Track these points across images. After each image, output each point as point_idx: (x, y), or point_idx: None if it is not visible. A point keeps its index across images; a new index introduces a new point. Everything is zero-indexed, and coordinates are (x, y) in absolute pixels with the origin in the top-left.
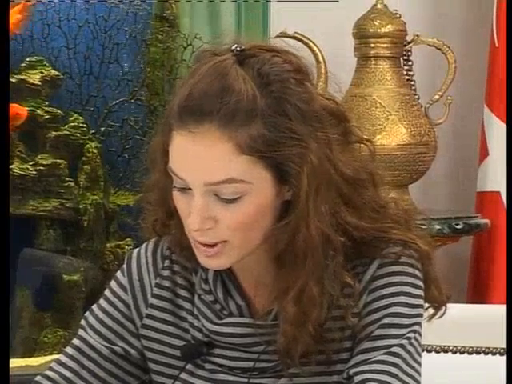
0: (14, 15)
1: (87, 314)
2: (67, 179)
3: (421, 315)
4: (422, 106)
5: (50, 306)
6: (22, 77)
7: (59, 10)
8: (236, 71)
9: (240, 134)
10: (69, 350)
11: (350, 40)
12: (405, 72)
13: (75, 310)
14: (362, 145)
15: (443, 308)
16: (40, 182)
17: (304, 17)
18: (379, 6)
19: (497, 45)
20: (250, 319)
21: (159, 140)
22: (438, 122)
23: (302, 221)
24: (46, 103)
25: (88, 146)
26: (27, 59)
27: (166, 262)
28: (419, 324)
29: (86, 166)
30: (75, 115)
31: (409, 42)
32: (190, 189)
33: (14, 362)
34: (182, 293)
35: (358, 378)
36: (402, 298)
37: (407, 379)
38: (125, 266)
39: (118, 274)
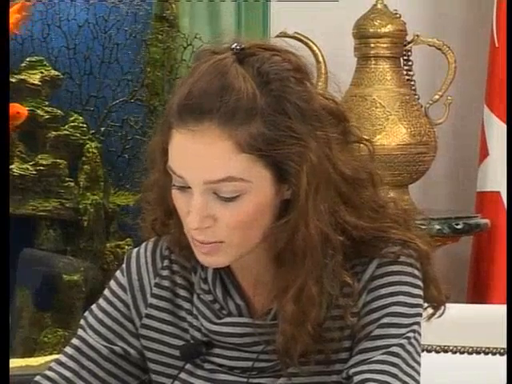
0: (13, 15)
1: (86, 313)
2: (67, 179)
3: (420, 315)
4: (422, 106)
5: (50, 306)
6: (22, 77)
7: (59, 10)
8: (236, 70)
9: (240, 133)
10: (68, 349)
11: (350, 40)
12: (405, 72)
13: (75, 310)
14: (361, 145)
15: (442, 308)
16: (40, 182)
17: (304, 17)
18: (379, 5)
19: (497, 45)
20: (249, 319)
21: (158, 139)
22: (437, 122)
23: (302, 219)
24: (46, 103)
25: (88, 145)
26: (27, 59)
27: (166, 262)
28: (418, 324)
29: (86, 166)
30: (75, 115)
31: (409, 42)
32: (189, 187)
33: (14, 362)
34: (182, 292)
35: (357, 378)
36: (401, 298)
37: (407, 379)
38: (124, 265)
39: (118, 273)
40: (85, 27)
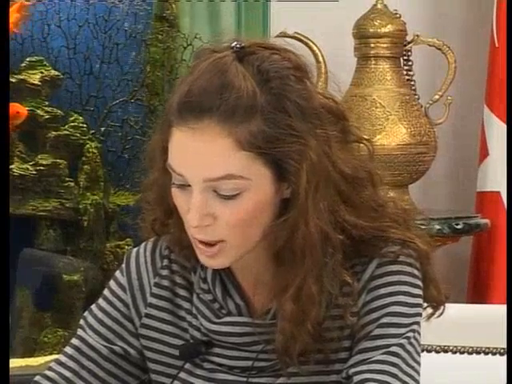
0: (13, 14)
1: (86, 313)
2: (67, 179)
3: (420, 314)
4: (422, 106)
5: (50, 306)
6: (22, 77)
7: (59, 10)
8: (236, 68)
9: (240, 130)
10: (68, 349)
11: (350, 40)
12: (405, 72)
13: (75, 310)
14: (361, 144)
15: (442, 307)
16: (40, 182)
17: (304, 17)
18: (379, 5)
19: (497, 45)
20: (249, 318)
21: (158, 137)
22: (437, 122)
23: (301, 218)
24: (46, 103)
25: (88, 146)
26: (27, 59)
27: (165, 262)
28: (418, 323)
29: (86, 166)
30: (75, 115)
31: (409, 42)
32: (189, 185)
33: (14, 362)
34: (181, 292)
35: (357, 378)
36: (401, 298)
37: (407, 379)
38: (124, 265)
39: (117, 273)
40: (85, 27)
